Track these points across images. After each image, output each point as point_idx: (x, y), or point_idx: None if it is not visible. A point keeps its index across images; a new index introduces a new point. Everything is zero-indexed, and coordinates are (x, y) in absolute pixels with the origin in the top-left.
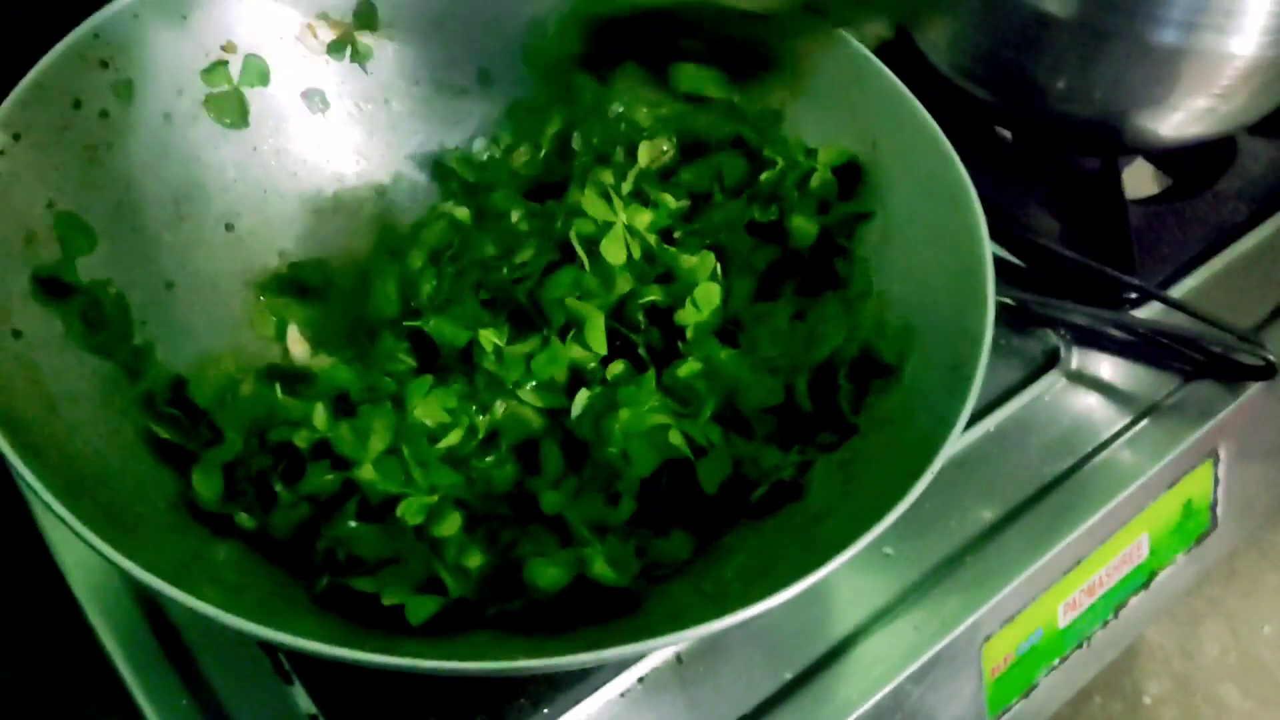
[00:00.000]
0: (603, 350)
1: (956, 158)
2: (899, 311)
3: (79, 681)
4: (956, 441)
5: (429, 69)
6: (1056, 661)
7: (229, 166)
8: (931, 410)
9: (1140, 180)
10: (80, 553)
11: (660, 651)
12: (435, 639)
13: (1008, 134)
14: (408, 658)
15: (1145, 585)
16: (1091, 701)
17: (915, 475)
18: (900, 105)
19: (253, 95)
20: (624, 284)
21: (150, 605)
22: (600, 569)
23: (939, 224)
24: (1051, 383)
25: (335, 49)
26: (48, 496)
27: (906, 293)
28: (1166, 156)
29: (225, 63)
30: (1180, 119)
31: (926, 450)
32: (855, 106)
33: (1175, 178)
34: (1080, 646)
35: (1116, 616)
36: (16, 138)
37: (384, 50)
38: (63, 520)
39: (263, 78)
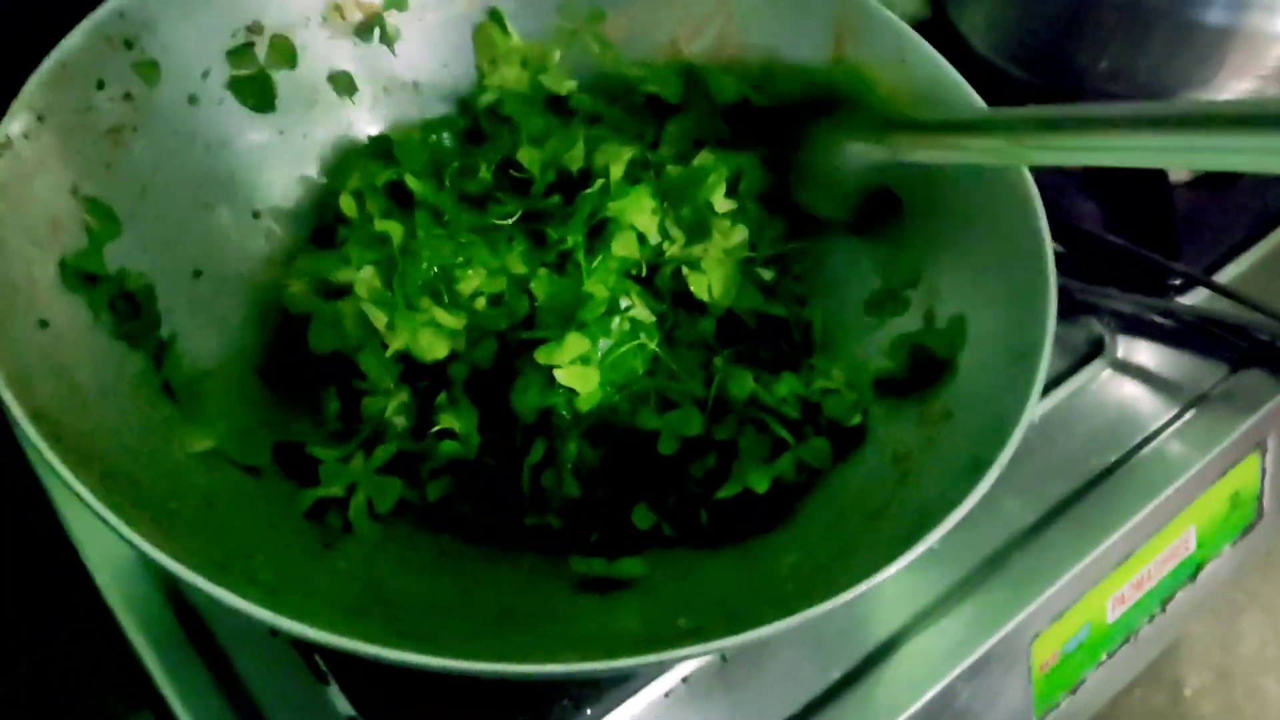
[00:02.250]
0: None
1: None
2: (950, 303)
3: (104, 677)
4: (1022, 434)
5: (459, 51)
6: (1104, 657)
7: (255, 151)
8: (994, 402)
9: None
10: (108, 553)
11: None
12: (479, 639)
13: None
14: (452, 659)
15: (1192, 578)
16: (1132, 695)
17: (980, 469)
18: (945, 85)
19: (279, 78)
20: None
21: (182, 607)
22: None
23: (990, 208)
24: (1096, 372)
25: (363, 30)
26: (85, 493)
27: (957, 282)
28: None
29: (251, 44)
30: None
31: (992, 443)
32: (898, 86)
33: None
34: (1127, 641)
35: (1164, 610)
36: (40, 119)
37: (413, 31)
38: (102, 518)
39: (289, 60)
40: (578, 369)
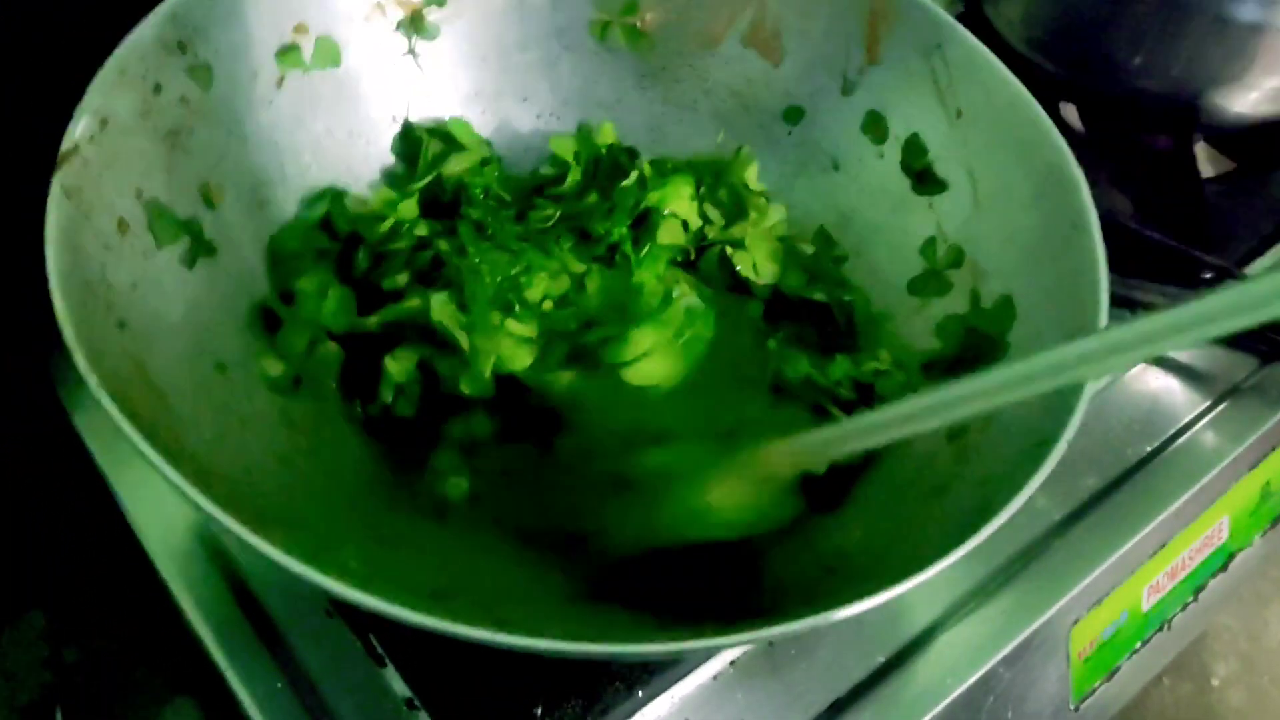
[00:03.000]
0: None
1: (1049, 122)
2: (995, 283)
3: (148, 662)
4: (1084, 409)
5: (498, 46)
6: (1139, 645)
7: (304, 150)
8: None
9: (1201, 163)
10: (169, 541)
11: None
12: (556, 620)
13: (1073, 110)
14: (542, 639)
15: (1224, 567)
16: (1161, 684)
17: (1046, 444)
18: (986, 71)
19: (325, 77)
20: None
21: (240, 589)
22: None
23: (1033, 190)
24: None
25: (404, 27)
26: (197, 495)
27: (1003, 263)
28: (1232, 137)
29: (297, 45)
30: (1256, 97)
31: (1054, 418)
32: (937, 74)
33: (1239, 160)
34: (1161, 629)
35: (1196, 599)
36: (104, 124)
37: (451, 27)
38: (217, 520)
39: (334, 59)
40: (647, 365)
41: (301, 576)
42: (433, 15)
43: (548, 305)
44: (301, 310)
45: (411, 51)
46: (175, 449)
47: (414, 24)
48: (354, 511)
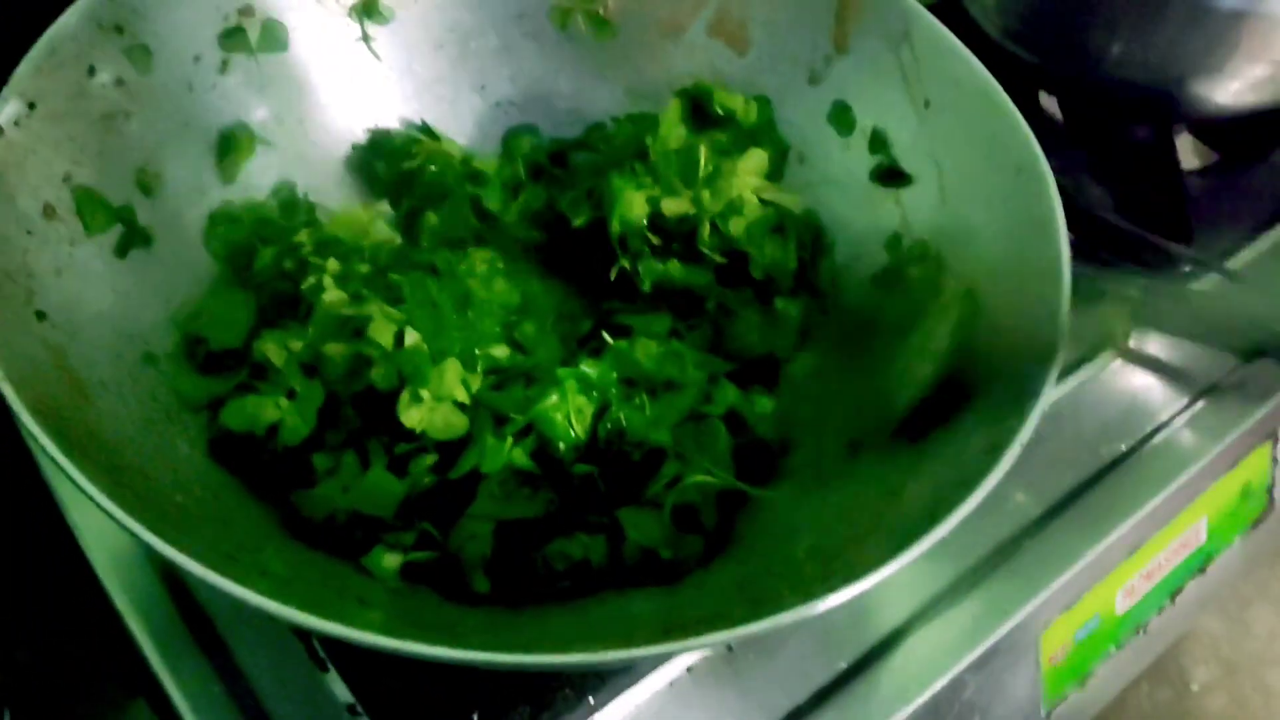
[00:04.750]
0: None
1: (1018, 114)
2: (958, 277)
3: (103, 666)
4: (1040, 414)
5: (455, 33)
6: (1113, 649)
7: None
8: (1010, 383)
9: (1183, 154)
10: (107, 541)
11: None
12: (495, 630)
13: (1054, 101)
14: (469, 650)
15: (1202, 569)
16: (1139, 689)
17: (997, 450)
18: (955, 62)
19: (272, 62)
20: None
21: (181, 595)
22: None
23: (1000, 184)
24: (1106, 361)
25: (356, 12)
26: (89, 487)
27: (968, 259)
28: (1213, 129)
29: (243, 28)
30: (1238, 87)
31: (1009, 425)
32: (905, 64)
33: (1222, 151)
34: (1137, 633)
35: (1173, 602)
36: (32, 107)
37: (407, 13)
38: (108, 513)
39: (281, 43)
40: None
41: (207, 581)
42: (386, 0)
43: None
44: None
45: (365, 37)
46: (89, 443)
47: (367, 9)
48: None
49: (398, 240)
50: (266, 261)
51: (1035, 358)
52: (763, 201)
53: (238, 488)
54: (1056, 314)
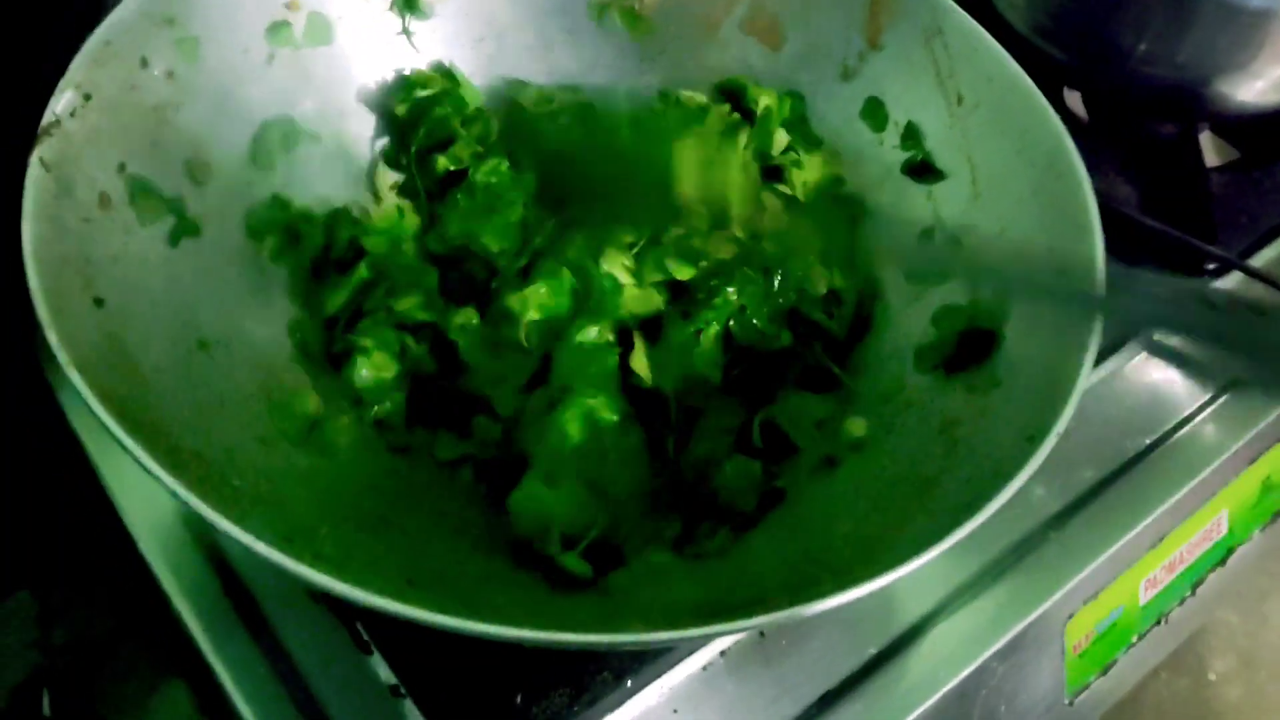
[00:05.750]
0: None
1: (1050, 109)
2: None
3: (138, 646)
4: (1075, 405)
5: (493, 28)
6: (1135, 639)
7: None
8: (1046, 371)
9: (1205, 151)
10: (153, 523)
11: None
12: (536, 610)
13: (1078, 97)
14: (517, 628)
15: (1222, 562)
16: (1158, 678)
17: (1036, 439)
18: (988, 58)
19: (316, 55)
20: None
21: (226, 574)
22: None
23: (1033, 179)
24: (1130, 355)
25: (397, 5)
26: (158, 469)
27: (1000, 252)
28: (1238, 127)
29: (288, 22)
30: (1264, 86)
31: (1046, 413)
32: (937, 59)
33: (1244, 149)
34: (1158, 624)
35: (1194, 594)
36: (88, 98)
37: (446, 7)
38: (175, 493)
39: (325, 36)
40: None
41: (269, 560)
42: None
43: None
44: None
45: (405, 31)
46: (149, 428)
47: (408, 3)
48: (334, 494)
49: None
50: (318, 241)
51: (1069, 350)
52: None
53: (289, 474)
54: (1091, 310)
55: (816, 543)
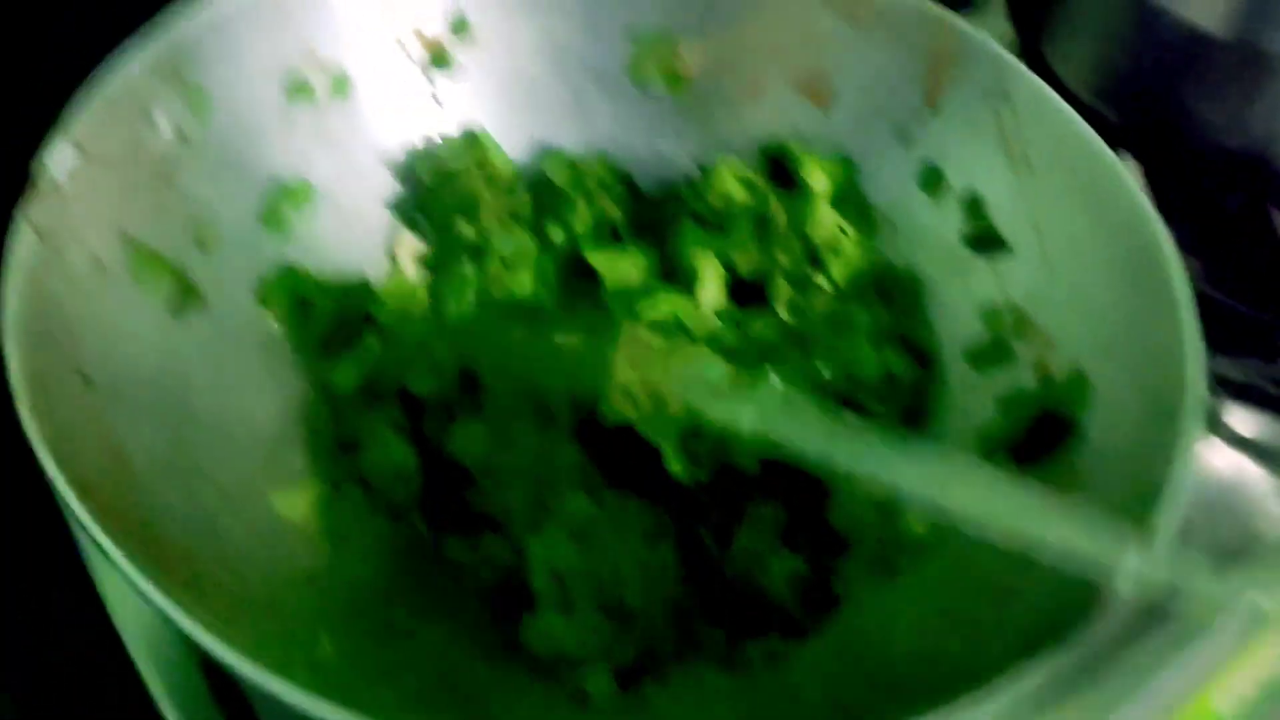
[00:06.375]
0: None
1: (1128, 177)
2: (1067, 356)
3: (102, 690)
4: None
5: (525, 84)
6: None
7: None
8: (1136, 469)
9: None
10: (140, 618)
11: None
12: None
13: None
14: None
15: None
16: None
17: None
18: (1058, 121)
19: (335, 111)
20: None
21: (221, 683)
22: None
23: (1111, 253)
24: (1203, 446)
25: (423, 61)
26: (132, 572)
27: (1077, 335)
28: None
29: (305, 76)
30: None
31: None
32: (1004, 123)
33: None
34: None
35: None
36: (85, 155)
37: (476, 62)
38: (148, 599)
39: (345, 92)
40: None
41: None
42: (455, 49)
43: None
44: None
45: (430, 85)
46: (132, 523)
47: (435, 58)
48: (338, 595)
49: None
50: (330, 312)
51: (1163, 444)
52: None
53: (291, 575)
54: (1183, 398)
55: (873, 658)
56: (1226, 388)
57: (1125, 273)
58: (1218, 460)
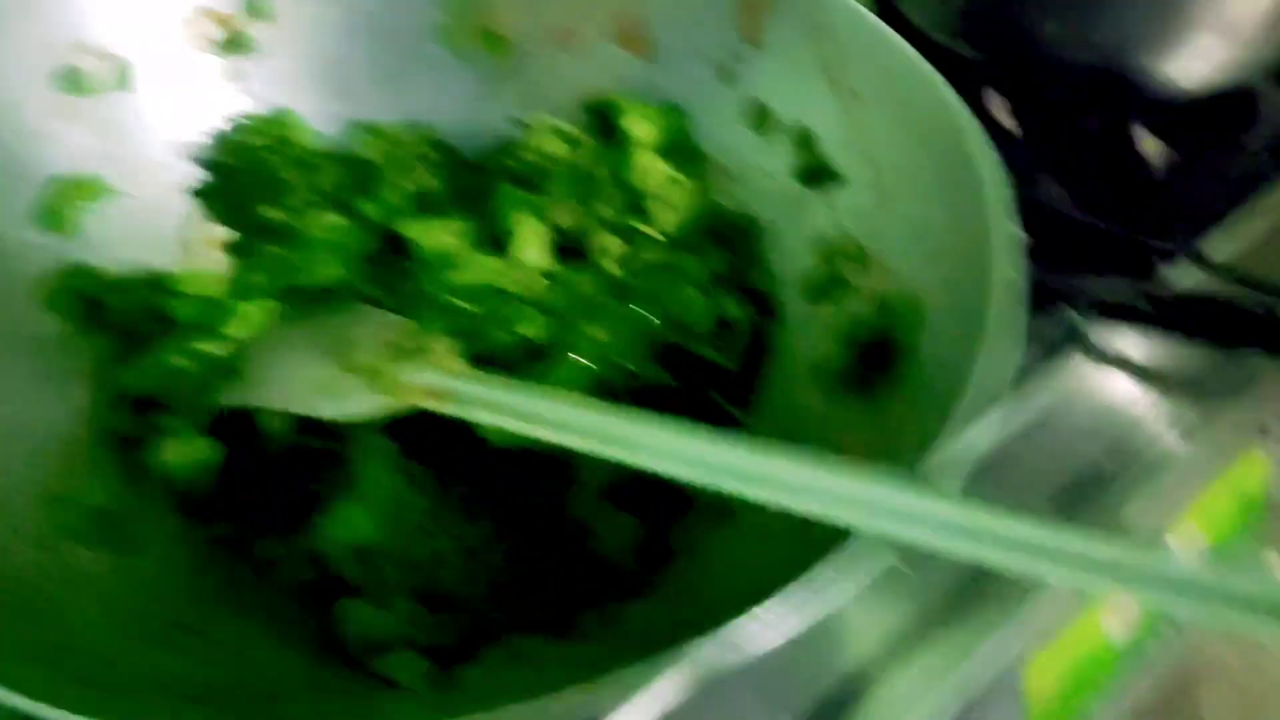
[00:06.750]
0: None
1: (957, 99)
2: (902, 282)
3: None
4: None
5: (334, 62)
6: (1109, 683)
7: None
8: (955, 383)
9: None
10: None
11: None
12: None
13: (1001, 102)
14: None
15: None
16: None
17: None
18: (883, 49)
19: (112, 102)
20: None
21: None
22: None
23: (942, 177)
24: (1075, 365)
25: (221, 44)
26: None
27: (911, 261)
28: (1170, 125)
29: (78, 67)
30: (1190, 63)
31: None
32: (827, 55)
33: (1183, 150)
34: (1135, 664)
35: (1176, 628)
36: None
37: (281, 44)
38: None
39: (123, 81)
40: None
41: None
42: (253, 29)
43: None
44: None
45: (229, 68)
46: None
47: (231, 41)
48: (123, 601)
49: None
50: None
51: (992, 366)
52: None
53: (72, 580)
54: (1010, 315)
55: (713, 598)
56: (1104, 310)
57: (951, 192)
58: (1095, 380)
